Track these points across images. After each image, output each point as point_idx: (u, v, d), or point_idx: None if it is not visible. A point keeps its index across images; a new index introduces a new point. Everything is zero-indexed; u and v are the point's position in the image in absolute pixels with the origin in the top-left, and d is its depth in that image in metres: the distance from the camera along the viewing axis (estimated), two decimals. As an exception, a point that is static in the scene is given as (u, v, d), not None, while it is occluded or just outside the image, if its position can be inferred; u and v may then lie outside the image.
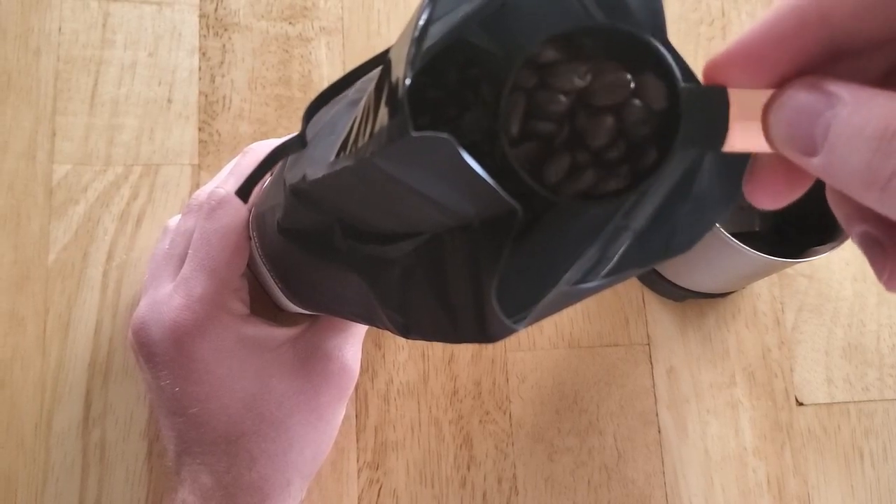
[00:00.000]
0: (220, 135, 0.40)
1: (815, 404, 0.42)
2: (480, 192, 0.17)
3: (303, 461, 0.32)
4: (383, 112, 0.18)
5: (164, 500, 0.32)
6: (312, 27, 0.43)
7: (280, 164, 0.29)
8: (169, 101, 0.40)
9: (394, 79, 0.18)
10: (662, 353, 0.41)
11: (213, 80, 0.41)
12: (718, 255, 0.35)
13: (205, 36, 0.41)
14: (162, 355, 0.30)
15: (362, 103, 0.21)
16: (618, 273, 0.20)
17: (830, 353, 0.43)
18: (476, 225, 0.20)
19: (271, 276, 0.31)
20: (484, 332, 0.20)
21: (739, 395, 0.41)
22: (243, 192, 0.26)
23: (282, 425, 0.31)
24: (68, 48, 0.40)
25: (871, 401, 0.42)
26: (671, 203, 0.22)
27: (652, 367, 0.41)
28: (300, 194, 0.25)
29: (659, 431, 0.40)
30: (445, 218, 0.20)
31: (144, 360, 0.31)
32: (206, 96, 0.41)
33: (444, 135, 0.16)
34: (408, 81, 0.17)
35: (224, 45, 0.42)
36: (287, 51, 0.42)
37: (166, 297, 0.31)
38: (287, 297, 0.31)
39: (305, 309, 0.31)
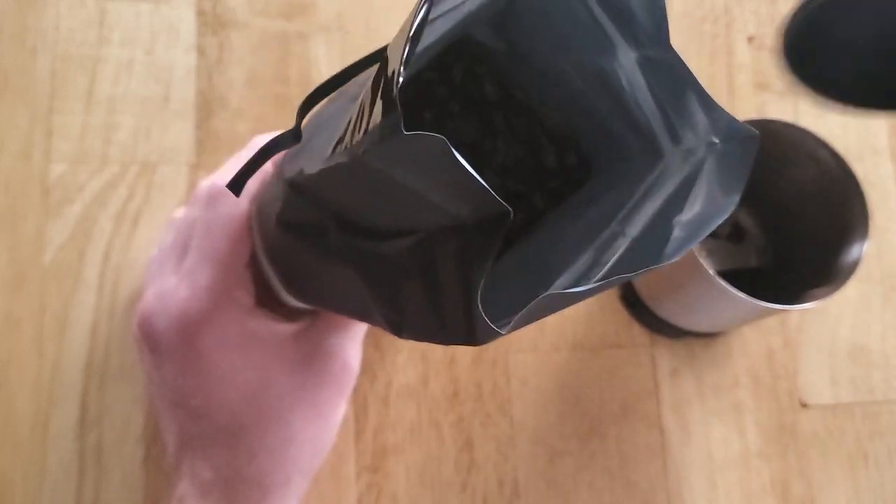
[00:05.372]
0: (217, 133, 0.40)
1: (820, 406, 0.41)
2: (472, 193, 0.17)
3: (302, 457, 0.32)
4: (378, 109, 0.18)
5: (163, 497, 0.32)
6: (311, 24, 0.42)
7: (281, 157, 0.29)
8: (166, 99, 0.40)
9: (389, 75, 0.17)
10: (665, 355, 0.41)
11: (210, 79, 0.41)
12: (714, 300, 0.35)
13: (202, 34, 0.41)
14: (166, 345, 0.30)
15: (359, 99, 0.21)
16: (609, 277, 0.20)
17: (835, 355, 0.42)
18: (469, 225, 0.19)
19: (271, 270, 0.31)
20: (471, 333, 0.20)
21: (743, 397, 0.41)
22: (235, 185, 0.26)
23: (282, 420, 0.31)
24: (65, 46, 0.40)
25: (877, 402, 0.42)
26: (667, 210, 0.21)
27: (654, 369, 0.40)
28: (297, 188, 0.25)
29: (662, 434, 0.40)
30: (438, 217, 0.20)
31: (148, 351, 0.31)
32: (204, 94, 0.40)
33: (437, 135, 0.16)
34: (401, 80, 0.16)
35: (222, 43, 0.41)
36: (285, 48, 0.42)
37: (172, 288, 0.31)
38: (287, 292, 0.31)
39: (304, 303, 0.31)
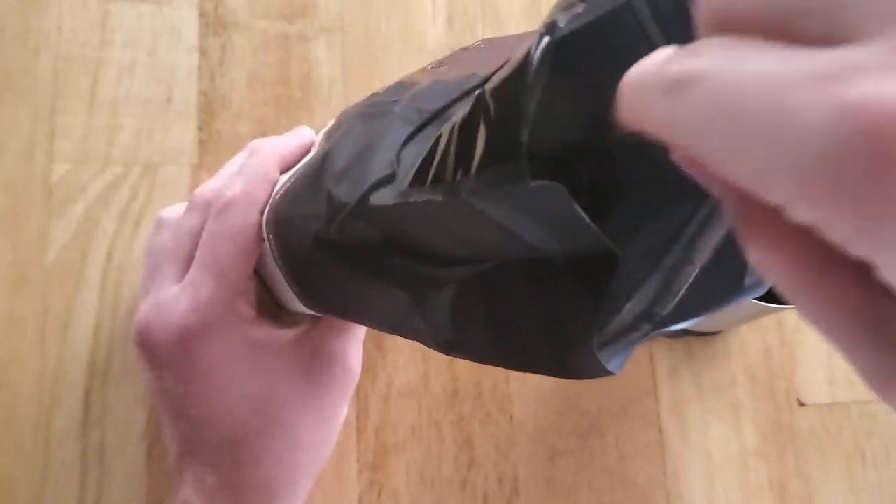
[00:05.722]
0: (219, 134, 0.40)
1: (817, 405, 0.42)
2: (579, 237, 0.17)
3: (308, 460, 0.32)
4: (480, 150, 0.17)
5: (166, 499, 0.32)
6: (312, 26, 0.42)
7: (308, 163, 0.28)
8: (168, 100, 0.40)
9: (503, 117, 0.17)
10: (664, 354, 0.41)
11: (212, 80, 0.41)
12: None
13: (204, 35, 0.41)
14: (165, 356, 0.30)
15: (445, 135, 0.20)
16: (685, 305, 0.20)
17: (832, 354, 0.42)
18: (558, 261, 0.19)
19: (286, 279, 0.30)
20: (565, 368, 0.19)
21: (741, 396, 0.41)
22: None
23: (286, 425, 0.31)
24: (67, 47, 0.40)
25: (874, 401, 0.42)
26: (735, 239, 0.21)
27: (653, 368, 0.41)
28: (359, 214, 0.24)
29: (660, 433, 0.40)
30: (521, 250, 0.19)
31: (147, 361, 0.31)
32: (206, 95, 0.41)
33: (559, 185, 0.16)
34: (526, 133, 0.16)
35: (223, 45, 0.41)
36: (286, 50, 0.42)
37: (172, 299, 0.30)
38: (302, 302, 0.30)
39: (320, 313, 0.31)
